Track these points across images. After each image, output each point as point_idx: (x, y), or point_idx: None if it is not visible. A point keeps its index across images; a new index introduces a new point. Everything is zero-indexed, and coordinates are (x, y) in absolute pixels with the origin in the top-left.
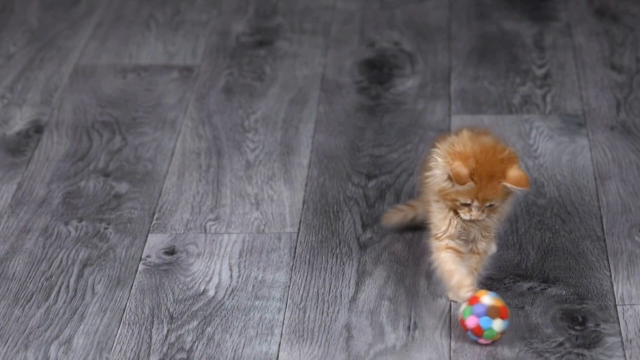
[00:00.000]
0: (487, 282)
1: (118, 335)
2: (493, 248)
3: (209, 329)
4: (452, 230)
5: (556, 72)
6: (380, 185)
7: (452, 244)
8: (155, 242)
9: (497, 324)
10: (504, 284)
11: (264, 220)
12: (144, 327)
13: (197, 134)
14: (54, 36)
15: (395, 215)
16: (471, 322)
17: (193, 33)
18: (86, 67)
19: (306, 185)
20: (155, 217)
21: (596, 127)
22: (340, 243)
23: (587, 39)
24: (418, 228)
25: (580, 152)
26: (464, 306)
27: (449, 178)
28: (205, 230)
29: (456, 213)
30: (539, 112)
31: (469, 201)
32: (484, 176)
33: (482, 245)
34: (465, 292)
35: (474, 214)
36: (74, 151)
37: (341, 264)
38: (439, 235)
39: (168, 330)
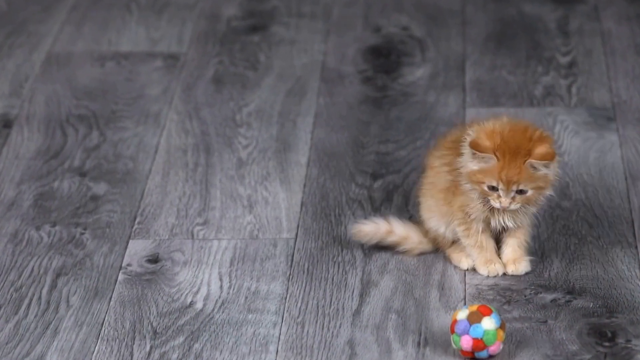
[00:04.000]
0: (506, 294)
1: (96, 352)
2: (527, 267)
3: (196, 345)
4: (480, 214)
5: (582, 60)
6: (387, 185)
7: (479, 226)
8: (137, 249)
9: (487, 323)
10: (525, 296)
11: (258, 225)
12: (124, 343)
13: (184, 129)
14: (24, 20)
15: (366, 228)
16: (465, 343)
17: (179, 17)
18: (60, 54)
19: (305, 185)
20: (136, 222)
21: (627, 122)
22: (342, 250)
23: (617, 24)
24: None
25: (609, 149)
26: (451, 339)
27: (473, 154)
28: (193, 235)
29: (489, 208)
30: (564, 105)
31: (494, 183)
32: (507, 153)
33: (524, 220)
34: (488, 270)
35: (503, 200)
36: (47, 148)
37: (343, 273)
38: (471, 213)
39: (151, 347)
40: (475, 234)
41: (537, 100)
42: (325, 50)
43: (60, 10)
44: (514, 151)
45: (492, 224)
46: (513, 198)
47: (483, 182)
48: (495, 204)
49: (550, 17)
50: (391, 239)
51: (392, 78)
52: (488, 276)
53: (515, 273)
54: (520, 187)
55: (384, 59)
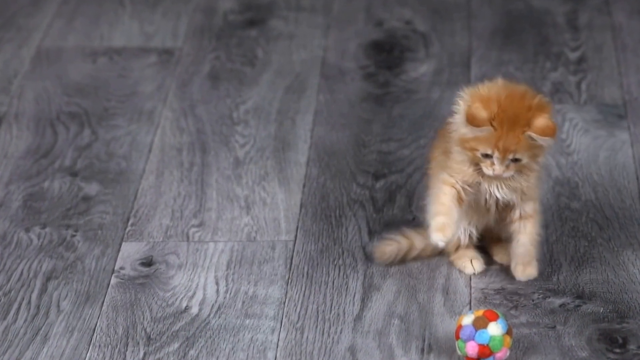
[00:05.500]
0: (513, 298)
1: (87, 359)
2: (535, 272)
3: (192, 351)
4: (468, 178)
5: (592, 55)
6: (390, 186)
7: (459, 187)
8: (130, 252)
9: (493, 329)
10: (532, 300)
11: (256, 227)
12: (117, 350)
13: (179, 127)
14: (13, 14)
15: (389, 248)
16: (471, 349)
17: (174, 11)
18: (50, 49)
19: (304, 186)
20: (130, 223)
21: (638, 119)
22: (343, 253)
23: (628, 18)
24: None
25: (620, 148)
26: (456, 345)
27: (467, 121)
28: (188, 238)
29: (480, 172)
30: (573, 102)
31: (489, 151)
32: (505, 122)
33: (529, 207)
34: (441, 238)
35: (497, 168)
36: (37, 147)
37: (344, 277)
38: (452, 175)
39: (145, 354)
40: (445, 196)
41: (546, 97)
42: (326, 46)
43: (51, 3)
44: (512, 121)
45: (482, 189)
46: (507, 166)
47: (477, 150)
48: (488, 171)
49: (559, 11)
50: (413, 254)
51: (394, 74)
52: (439, 244)
53: (522, 279)
54: (517, 156)
55: (387, 54)
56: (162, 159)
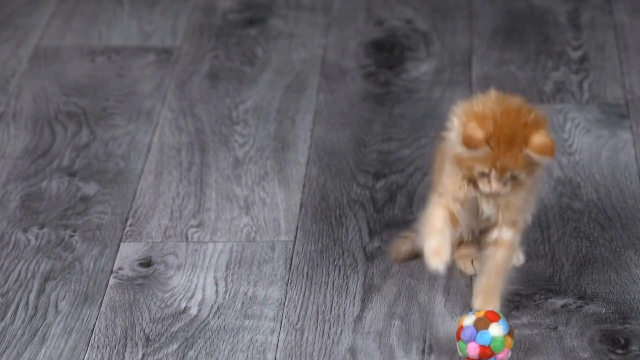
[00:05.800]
0: (515, 299)
1: None
2: (520, 258)
3: (191, 352)
4: (460, 193)
5: (594, 54)
6: (390, 186)
7: (453, 207)
8: (129, 252)
9: (495, 329)
10: (534, 301)
11: (255, 227)
12: (115, 351)
13: (177, 127)
14: (10, 13)
15: (404, 247)
16: (472, 350)
17: (172, 9)
18: (48, 49)
19: (304, 186)
20: (128, 224)
21: None
22: (343, 253)
23: (631, 17)
24: None
25: (622, 148)
26: (457, 346)
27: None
28: (187, 238)
29: (474, 185)
30: (575, 102)
31: (486, 170)
32: (502, 141)
33: (507, 234)
34: (437, 262)
35: (494, 186)
36: (34, 146)
37: (345, 277)
38: (444, 192)
39: (144, 355)
40: (438, 216)
41: (547, 97)
42: (326, 45)
43: (49, 2)
44: (509, 139)
45: (480, 206)
46: (505, 183)
47: (473, 168)
48: (485, 188)
49: (560, 10)
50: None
51: (395, 73)
52: (439, 269)
53: (479, 308)
54: (515, 174)
55: (387, 53)
56: (160, 158)
